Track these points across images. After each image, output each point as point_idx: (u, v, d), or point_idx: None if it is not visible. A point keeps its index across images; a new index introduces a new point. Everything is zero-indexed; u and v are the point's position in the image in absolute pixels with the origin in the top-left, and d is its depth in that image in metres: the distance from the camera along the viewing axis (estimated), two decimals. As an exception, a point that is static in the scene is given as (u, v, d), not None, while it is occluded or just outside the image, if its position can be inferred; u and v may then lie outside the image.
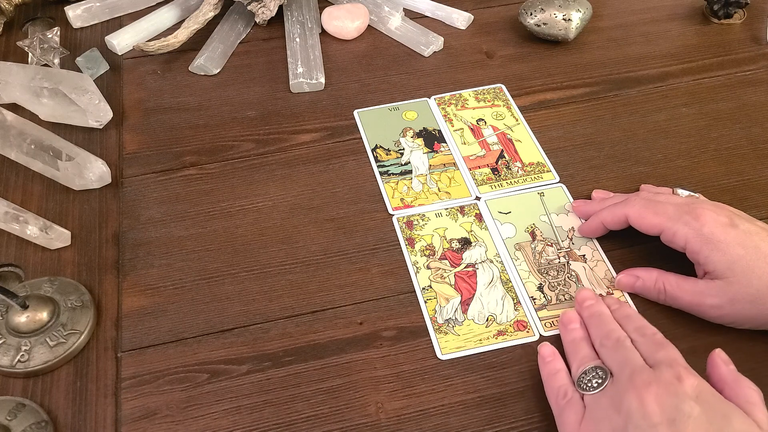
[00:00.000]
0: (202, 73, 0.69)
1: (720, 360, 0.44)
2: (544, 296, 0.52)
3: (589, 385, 0.43)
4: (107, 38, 0.71)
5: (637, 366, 0.42)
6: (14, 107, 0.63)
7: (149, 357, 0.49)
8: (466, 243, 0.55)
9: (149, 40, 0.72)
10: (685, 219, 0.48)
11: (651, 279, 0.50)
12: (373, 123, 0.65)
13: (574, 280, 0.53)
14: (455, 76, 0.69)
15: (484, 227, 0.56)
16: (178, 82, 0.69)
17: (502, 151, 0.62)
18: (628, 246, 0.55)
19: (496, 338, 0.50)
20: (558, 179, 0.60)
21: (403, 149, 0.62)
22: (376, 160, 0.62)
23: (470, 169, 0.61)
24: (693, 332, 0.49)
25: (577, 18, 0.70)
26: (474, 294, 0.52)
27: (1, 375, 0.48)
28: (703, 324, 0.50)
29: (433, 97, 0.67)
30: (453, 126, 0.64)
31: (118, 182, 0.60)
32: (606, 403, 0.41)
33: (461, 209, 0.58)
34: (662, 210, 0.50)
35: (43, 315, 0.49)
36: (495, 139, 0.63)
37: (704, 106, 0.66)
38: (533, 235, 0.56)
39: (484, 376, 0.48)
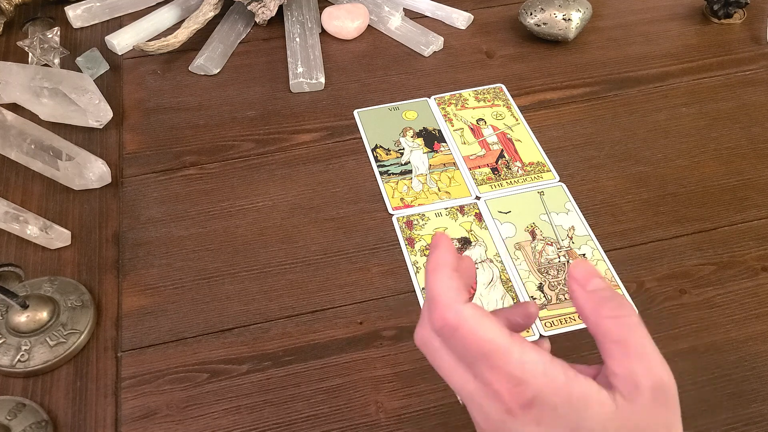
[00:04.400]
0: (202, 73, 0.69)
1: (576, 284, 0.32)
2: (545, 296, 0.52)
3: None
4: (107, 38, 0.71)
5: (462, 392, 0.32)
6: (14, 107, 0.63)
7: (149, 357, 0.49)
8: (466, 243, 0.55)
9: (149, 40, 0.72)
10: None
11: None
12: (373, 123, 0.65)
13: (574, 279, 0.53)
14: (455, 76, 0.69)
15: (484, 227, 0.56)
16: (178, 82, 0.69)
17: (502, 150, 0.62)
18: (628, 246, 0.55)
19: (496, 338, 0.49)
20: (558, 179, 0.60)
21: (403, 149, 0.62)
22: (376, 159, 0.62)
23: (470, 169, 0.61)
24: (693, 332, 0.49)
25: (577, 18, 0.70)
26: (474, 294, 0.52)
27: (1, 375, 0.48)
28: (703, 324, 0.50)
29: (433, 97, 0.67)
30: (453, 126, 0.64)
31: (118, 182, 0.60)
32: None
33: (461, 209, 0.58)
34: None
35: (43, 315, 0.49)
36: (495, 138, 0.63)
37: (704, 106, 0.66)
38: (533, 234, 0.56)
39: (484, 376, 0.48)
